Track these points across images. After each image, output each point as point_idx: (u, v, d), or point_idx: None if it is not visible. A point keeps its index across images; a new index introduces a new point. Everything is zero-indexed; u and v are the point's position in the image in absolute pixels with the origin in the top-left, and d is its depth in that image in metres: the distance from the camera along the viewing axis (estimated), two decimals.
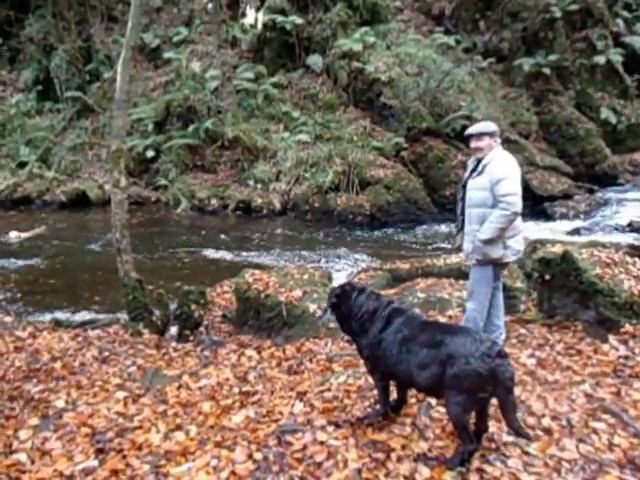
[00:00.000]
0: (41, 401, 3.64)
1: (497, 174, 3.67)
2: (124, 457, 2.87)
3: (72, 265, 9.30)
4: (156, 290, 5.63)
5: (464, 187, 3.96)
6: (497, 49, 16.71)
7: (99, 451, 2.95)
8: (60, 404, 3.57)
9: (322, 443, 2.84)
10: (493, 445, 2.73)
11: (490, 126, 3.88)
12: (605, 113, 15.66)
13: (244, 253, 9.71)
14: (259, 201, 13.07)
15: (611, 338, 4.00)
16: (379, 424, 2.98)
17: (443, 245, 9.93)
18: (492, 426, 2.74)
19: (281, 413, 3.25)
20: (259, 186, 13.56)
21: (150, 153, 14.96)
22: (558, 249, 4.64)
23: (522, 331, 4.37)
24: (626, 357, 3.76)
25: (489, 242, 3.70)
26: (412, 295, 5.25)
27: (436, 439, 2.83)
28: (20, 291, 7.68)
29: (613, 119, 15.67)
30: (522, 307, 4.92)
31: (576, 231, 10.34)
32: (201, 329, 5.39)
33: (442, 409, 2.88)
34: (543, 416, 3.00)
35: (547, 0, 15.70)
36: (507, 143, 11.53)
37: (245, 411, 3.33)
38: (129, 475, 2.70)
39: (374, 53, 15.38)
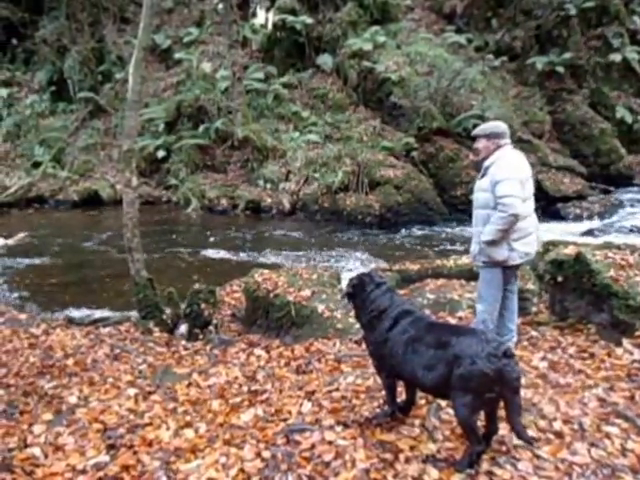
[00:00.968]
0: (54, 397, 3.68)
1: (497, 175, 3.65)
2: (135, 453, 2.89)
3: (84, 264, 9.38)
4: (166, 289, 5.66)
5: None
6: (509, 47, 16.56)
7: (110, 447, 2.98)
8: (73, 400, 3.61)
9: (330, 443, 2.84)
10: (503, 448, 2.72)
11: (486, 129, 3.85)
12: (621, 112, 15.45)
13: (253, 253, 9.74)
14: (268, 201, 13.10)
15: (625, 342, 3.93)
16: (387, 425, 2.98)
17: (454, 246, 9.89)
18: (503, 429, 2.72)
19: (289, 412, 3.26)
20: (268, 186, 13.59)
21: (161, 153, 15.05)
22: (571, 250, 4.60)
23: (534, 333, 4.34)
24: None
25: (492, 244, 3.69)
26: (421, 296, 5.23)
27: (445, 441, 2.82)
28: (33, 289, 7.77)
29: (629, 118, 15.45)
30: (534, 309, 4.88)
31: (590, 232, 10.23)
32: (210, 328, 5.41)
33: (451, 411, 2.87)
34: (554, 419, 2.97)
35: None
36: (519, 143, 11.47)
37: (254, 410, 3.34)
38: (140, 471, 2.73)
39: (384, 52, 15.34)
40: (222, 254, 9.73)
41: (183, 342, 5.13)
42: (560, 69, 15.40)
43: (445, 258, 6.92)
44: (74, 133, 17.12)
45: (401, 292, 5.50)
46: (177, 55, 17.54)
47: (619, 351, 3.86)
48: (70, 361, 4.38)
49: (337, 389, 3.52)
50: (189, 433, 3.08)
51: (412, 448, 2.76)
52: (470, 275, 5.64)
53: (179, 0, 19.97)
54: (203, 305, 5.42)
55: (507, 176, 3.62)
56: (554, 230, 10.03)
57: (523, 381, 3.34)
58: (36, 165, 15.86)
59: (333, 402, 3.33)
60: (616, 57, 15.73)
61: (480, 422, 2.71)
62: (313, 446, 2.82)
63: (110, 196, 14.57)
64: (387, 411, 3.06)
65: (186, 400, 3.60)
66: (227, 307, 6.21)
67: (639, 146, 15.49)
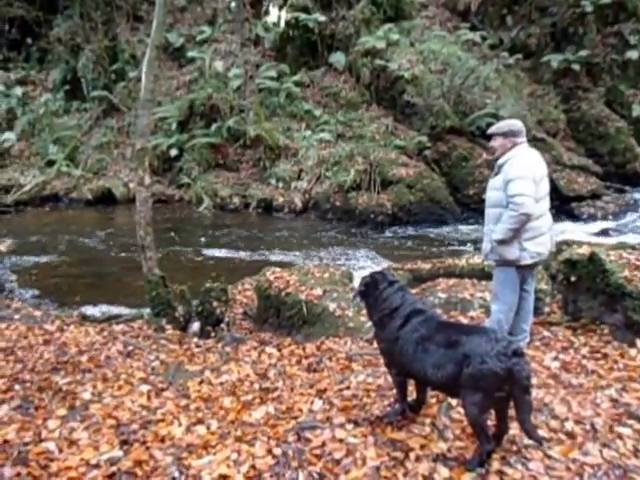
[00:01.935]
0: (68, 392, 3.72)
1: (510, 174, 3.63)
2: (147, 448, 2.92)
3: (97, 261, 9.49)
4: (179, 287, 5.70)
5: None
6: (524, 45, 16.40)
7: (123, 442, 3.01)
8: (87, 396, 3.65)
9: (341, 440, 2.85)
10: (514, 447, 2.71)
11: (503, 126, 3.82)
12: (637, 110, 15.19)
13: (265, 251, 9.77)
14: (280, 200, 13.12)
15: (639, 342, 3.91)
16: (398, 423, 2.99)
17: (466, 245, 9.84)
18: (514, 428, 2.71)
19: (300, 410, 3.27)
20: (280, 185, 13.62)
21: (173, 152, 15.15)
22: (585, 250, 4.56)
23: (546, 334, 4.31)
24: None
25: (503, 243, 3.67)
26: (433, 295, 5.21)
27: (456, 440, 2.82)
28: (47, 286, 7.87)
29: None
30: (546, 309, 4.85)
31: (604, 232, 10.13)
32: (222, 326, 5.44)
33: (462, 410, 2.87)
34: (566, 420, 2.96)
35: None
36: (534, 141, 11.35)
37: (265, 407, 3.36)
38: (152, 466, 2.76)
39: (397, 50, 15.27)
40: (234, 252, 9.78)
41: (195, 340, 5.16)
42: (576, 67, 15.23)
43: (457, 257, 6.89)
44: (88, 132, 17.29)
45: (413, 291, 5.49)
46: (190, 54, 17.63)
47: (632, 352, 3.83)
48: (84, 357, 4.42)
49: (348, 387, 3.53)
50: (201, 429, 3.11)
51: (422, 447, 2.77)
52: (482, 274, 5.62)
53: None
54: (215, 303, 5.45)
55: (520, 175, 3.59)
56: (568, 230, 9.95)
57: (535, 381, 3.34)
58: (50, 163, 16.04)
59: (344, 400, 3.34)
60: (633, 54, 15.50)
61: (491, 421, 2.71)
62: (324, 444, 2.83)
63: (123, 194, 14.70)
64: (398, 409, 3.06)
65: (198, 397, 3.63)
66: (239, 305, 6.25)
67: None
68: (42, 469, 2.78)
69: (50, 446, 2.99)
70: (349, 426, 2.99)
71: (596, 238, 9.32)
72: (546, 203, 3.82)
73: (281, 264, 7.78)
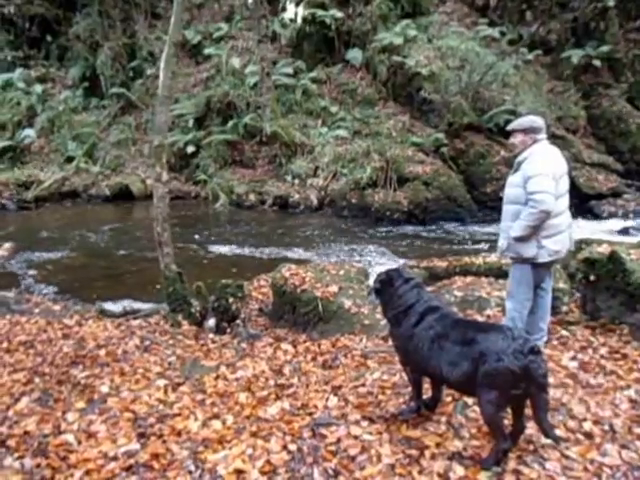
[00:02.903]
0: (87, 386, 3.78)
1: (529, 171, 3.59)
2: (164, 442, 2.96)
3: (115, 257, 9.59)
4: (195, 283, 5.74)
5: None
6: (544, 40, 16.14)
7: (141, 435, 3.05)
8: (104, 389, 3.70)
9: (356, 437, 2.86)
10: (531, 447, 2.69)
11: (524, 123, 3.78)
12: None
13: (281, 248, 9.79)
14: (296, 197, 13.13)
15: None
16: (413, 421, 2.98)
17: (483, 243, 9.75)
18: (530, 428, 2.69)
19: (316, 406, 3.28)
20: (296, 181, 13.63)
21: (190, 148, 15.24)
22: (605, 249, 4.49)
23: (564, 333, 4.26)
24: None
25: (521, 240, 3.63)
26: (449, 293, 5.18)
27: (471, 438, 2.81)
28: (66, 281, 7.97)
29: None
30: (564, 308, 4.79)
31: (625, 231, 9.96)
32: (238, 322, 5.47)
33: (478, 408, 2.85)
34: (584, 420, 2.92)
35: None
36: (553, 139, 11.13)
37: (280, 403, 3.38)
38: (169, 459, 2.79)
39: (415, 47, 15.17)
40: (250, 249, 9.82)
41: (211, 335, 5.20)
42: (597, 62, 14.96)
43: (474, 255, 6.83)
44: (106, 128, 17.48)
45: (429, 289, 5.46)
46: (207, 50, 17.70)
47: None
48: (102, 352, 4.48)
49: (363, 384, 3.53)
50: (217, 424, 3.13)
51: (438, 445, 2.76)
52: (499, 273, 5.57)
53: None
54: (231, 299, 5.48)
55: (539, 172, 3.55)
56: (587, 228, 9.80)
57: (552, 380, 3.31)
58: (69, 160, 16.25)
59: (359, 397, 3.34)
60: None
61: (507, 420, 2.69)
62: (339, 440, 2.84)
63: (141, 191, 14.83)
64: (413, 407, 3.06)
65: (214, 392, 3.66)
66: (254, 301, 6.27)
67: None
68: (61, 460, 2.83)
69: (69, 438, 3.04)
70: (364, 423, 3.00)
71: (616, 237, 9.18)
72: (565, 201, 3.77)
73: (297, 261, 7.80)
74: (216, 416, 3.26)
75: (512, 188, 3.77)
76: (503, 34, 16.00)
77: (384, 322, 3.60)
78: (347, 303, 5.12)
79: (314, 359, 4.35)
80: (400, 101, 15.11)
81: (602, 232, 9.62)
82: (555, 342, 4.10)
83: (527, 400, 2.53)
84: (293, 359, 4.38)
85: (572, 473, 2.51)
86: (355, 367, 4.00)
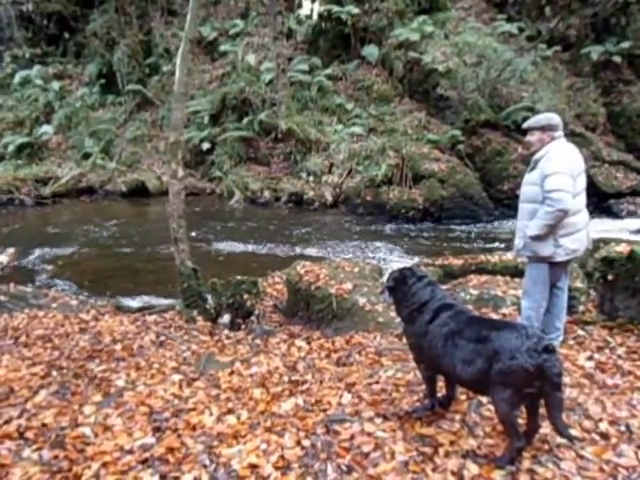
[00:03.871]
0: (103, 380, 3.83)
1: (547, 169, 3.54)
2: (179, 436, 2.98)
3: (130, 252, 9.69)
4: (210, 279, 5.78)
5: None
6: (563, 36, 15.89)
7: (156, 429, 3.08)
8: (120, 383, 3.75)
9: (370, 434, 2.86)
10: (546, 446, 2.67)
11: (541, 120, 3.72)
12: None
13: (295, 245, 9.82)
14: (311, 194, 13.14)
15: None
16: (427, 419, 2.97)
17: (498, 242, 9.67)
18: (545, 427, 2.66)
19: (329, 403, 3.28)
20: (311, 179, 13.64)
21: (206, 145, 15.33)
22: (623, 248, 4.42)
23: (580, 332, 4.21)
24: None
25: (538, 239, 3.59)
26: (465, 292, 5.15)
27: (486, 437, 2.79)
28: (82, 276, 8.08)
29: None
30: (581, 308, 4.74)
31: None
32: (252, 318, 5.50)
33: (493, 407, 2.83)
34: (600, 420, 2.89)
35: None
36: (571, 136, 11.07)
37: (294, 399, 3.39)
38: (184, 453, 2.81)
39: (432, 43, 15.06)
40: (264, 246, 9.86)
41: (226, 331, 5.23)
42: (617, 59, 14.72)
43: (489, 254, 6.79)
44: (122, 125, 17.66)
45: (444, 287, 5.44)
46: (222, 47, 17.77)
47: None
48: (118, 346, 4.54)
49: (377, 382, 3.53)
50: (231, 419, 3.15)
51: (452, 443, 2.75)
52: (515, 271, 5.52)
53: None
54: (246, 296, 5.50)
55: (557, 170, 3.50)
56: (605, 227, 9.68)
57: (568, 380, 3.28)
58: (86, 156, 16.46)
59: (373, 394, 3.34)
60: None
61: (522, 419, 2.67)
62: (352, 437, 2.84)
63: (156, 187, 14.97)
64: (427, 405, 3.05)
65: (228, 387, 3.68)
66: (269, 298, 6.30)
67: None
68: (78, 453, 2.87)
69: (86, 431, 3.08)
70: (378, 420, 2.99)
71: (635, 236, 9.04)
72: (583, 199, 3.72)
73: (311, 258, 7.81)
74: (230, 411, 3.28)
75: (529, 186, 3.73)
76: (521, 30, 15.79)
77: (398, 320, 3.59)
78: (361, 300, 5.12)
79: (328, 356, 4.35)
80: (416, 98, 15.03)
81: (621, 231, 9.49)
82: (571, 342, 4.06)
83: (541, 399, 2.51)
84: (307, 356, 4.39)
85: (587, 473, 2.49)
86: (369, 364, 3.99)
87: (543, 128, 3.69)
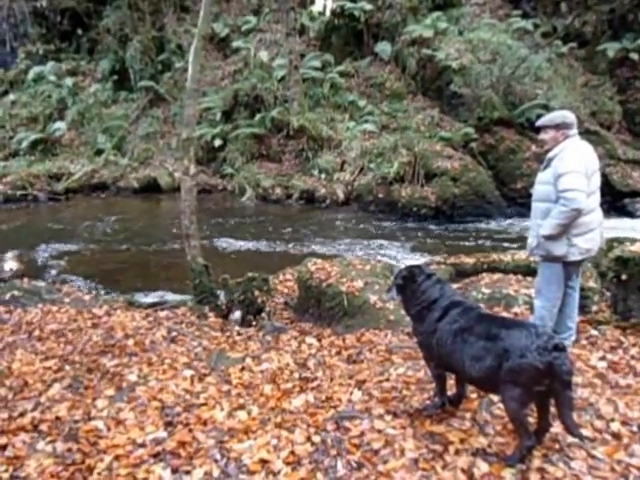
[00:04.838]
0: (116, 374, 3.87)
1: (560, 168, 3.49)
2: (190, 431, 3.01)
3: (142, 248, 9.74)
4: (221, 275, 5.80)
5: None
6: (579, 33, 15.68)
7: (168, 424, 3.12)
8: (133, 378, 3.78)
9: (380, 431, 2.87)
10: (557, 446, 2.66)
11: (555, 118, 3.67)
12: None
13: (306, 242, 9.82)
14: (322, 191, 13.13)
15: None
16: (438, 417, 2.97)
17: (511, 241, 9.61)
18: (556, 427, 2.65)
19: (340, 400, 3.29)
20: (323, 176, 13.63)
21: (217, 142, 15.37)
22: (637, 248, 4.38)
23: (593, 332, 4.18)
24: None
25: (551, 238, 3.56)
26: (476, 290, 5.13)
27: (496, 435, 2.79)
28: (94, 271, 8.14)
29: None
30: (594, 307, 4.69)
31: None
32: (263, 315, 5.51)
33: (502, 405, 2.82)
34: (612, 420, 2.87)
35: None
36: (586, 134, 10.93)
37: (305, 396, 3.40)
38: (195, 448, 2.84)
39: (445, 39, 14.97)
40: (275, 243, 9.88)
41: (237, 327, 5.25)
42: (634, 56, 14.49)
43: (502, 252, 6.74)
44: (134, 121, 17.76)
45: (456, 286, 5.42)
46: (235, 44, 17.80)
47: None
48: (130, 341, 4.58)
49: (387, 379, 3.53)
50: (242, 415, 3.18)
51: (462, 441, 2.75)
52: (528, 270, 5.48)
53: None
54: (257, 292, 5.52)
55: (571, 169, 3.46)
56: (619, 226, 9.56)
57: (580, 380, 3.26)
58: (99, 152, 16.57)
59: (383, 392, 3.34)
60: None
61: (533, 418, 2.66)
62: (362, 433, 2.85)
63: (168, 183, 15.04)
64: (437, 403, 3.05)
65: (239, 383, 3.71)
66: (280, 295, 6.31)
67: None
68: (91, 446, 2.91)
69: (99, 424, 3.12)
70: (388, 417, 3.00)
71: None
72: (597, 198, 3.68)
73: (322, 255, 7.81)
74: (241, 407, 3.31)
75: (542, 185, 3.68)
76: (537, 26, 15.64)
77: (409, 318, 3.59)
78: (372, 298, 5.12)
79: (339, 353, 4.36)
80: (429, 95, 14.96)
81: (635, 230, 9.36)
82: (584, 341, 4.03)
83: (552, 398, 2.50)
84: (318, 353, 4.40)
85: (598, 473, 2.48)
86: (380, 362, 3.99)
87: (557, 126, 3.64)
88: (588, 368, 3.53)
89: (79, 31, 20.65)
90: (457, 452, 2.66)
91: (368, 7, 15.73)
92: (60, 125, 17.67)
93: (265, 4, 19.18)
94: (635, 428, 2.80)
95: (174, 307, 5.89)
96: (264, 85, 15.53)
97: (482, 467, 2.54)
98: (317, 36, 17.46)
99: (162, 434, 2.99)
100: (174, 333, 4.89)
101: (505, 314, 4.61)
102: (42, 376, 3.85)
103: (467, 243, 9.60)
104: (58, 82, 19.00)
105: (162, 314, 5.56)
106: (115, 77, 18.76)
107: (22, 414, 3.27)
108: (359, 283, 5.35)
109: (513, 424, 2.61)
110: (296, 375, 3.85)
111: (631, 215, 11.09)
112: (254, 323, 5.38)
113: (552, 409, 2.57)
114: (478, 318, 2.80)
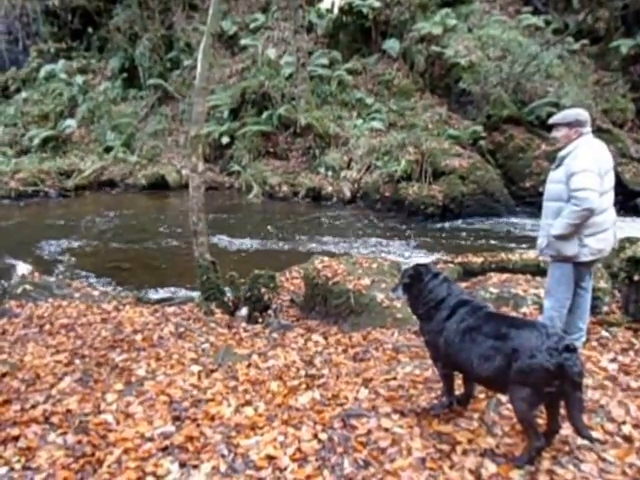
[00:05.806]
0: (124, 369, 3.89)
1: (573, 167, 3.43)
2: (198, 426, 3.02)
3: (150, 245, 9.78)
4: (228, 272, 5.81)
5: None
6: (591, 30, 15.49)
7: (176, 418, 3.13)
8: (141, 373, 3.81)
9: (387, 430, 2.85)
10: (566, 448, 2.63)
11: (568, 116, 3.60)
12: None
13: (313, 240, 9.82)
14: (329, 189, 13.12)
15: None
16: (445, 416, 2.96)
17: (520, 240, 9.55)
18: (566, 428, 2.63)
19: (346, 398, 3.29)
20: (330, 174, 13.62)
21: (225, 139, 15.40)
22: None
23: (604, 334, 4.13)
24: None
25: (562, 238, 3.51)
26: (484, 290, 5.10)
27: (505, 436, 2.77)
28: (103, 267, 8.19)
29: None
30: (605, 308, 4.65)
31: None
32: (270, 312, 5.52)
33: (511, 406, 2.80)
34: (623, 423, 2.84)
35: None
36: (598, 132, 10.81)
37: (311, 393, 3.40)
38: (202, 442, 2.85)
39: (454, 36, 14.89)
40: (282, 240, 9.88)
41: (243, 324, 5.26)
42: None
43: (510, 252, 6.71)
44: (143, 119, 17.84)
45: (463, 285, 5.40)
46: (243, 41, 17.81)
47: None
48: (138, 337, 4.60)
49: (394, 378, 3.52)
50: (249, 411, 3.18)
51: (470, 441, 2.73)
52: (536, 270, 5.45)
53: None
54: (263, 289, 5.53)
55: (584, 168, 3.40)
56: (632, 226, 9.47)
57: (590, 382, 3.23)
58: (108, 150, 16.67)
59: (390, 391, 3.33)
60: None
61: (542, 420, 2.64)
62: (369, 432, 2.84)
63: (176, 181, 15.10)
64: (444, 402, 3.03)
65: (246, 380, 3.71)
66: (286, 292, 6.31)
67: None
68: (101, 438, 2.93)
69: (108, 418, 3.15)
70: (395, 416, 2.99)
71: None
72: (610, 198, 3.62)
73: (329, 253, 7.81)
74: (248, 403, 3.31)
75: (554, 184, 3.63)
76: (548, 23, 15.50)
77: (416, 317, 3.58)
78: (379, 296, 5.10)
79: (345, 351, 4.35)
80: (437, 92, 14.89)
81: None
82: (594, 343, 3.99)
83: (562, 399, 2.48)
84: (324, 350, 4.39)
85: (609, 476, 2.45)
86: (386, 360, 3.98)
87: (570, 124, 3.58)
88: (598, 370, 3.49)
89: (90, 29, 20.77)
90: (465, 452, 2.64)
91: (376, 4, 15.67)
92: (70, 122, 17.79)
93: (273, 2, 19.16)
94: None
95: (181, 303, 5.92)
96: (272, 83, 15.52)
97: (490, 468, 2.52)
98: (325, 33, 17.42)
99: (170, 428, 3.00)
100: (182, 329, 4.90)
101: (514, 314, 4.58)
102: (53, 369, 3.89)
103: (475, 242, 9.56)
104: (69, 80, 19.13)
105: (170, 310, 5.58)
106: (125, 75, 18.85)
107: (34, 406, 3.30)
108: (366, 281, 5.34)
109: (522, 425, 2.59)
110: (302, 372, 3.84)
111: None
112: (260, 320, 5.39)
113: (562, 411, 2.55)
114: (486, 317, 2.77)
